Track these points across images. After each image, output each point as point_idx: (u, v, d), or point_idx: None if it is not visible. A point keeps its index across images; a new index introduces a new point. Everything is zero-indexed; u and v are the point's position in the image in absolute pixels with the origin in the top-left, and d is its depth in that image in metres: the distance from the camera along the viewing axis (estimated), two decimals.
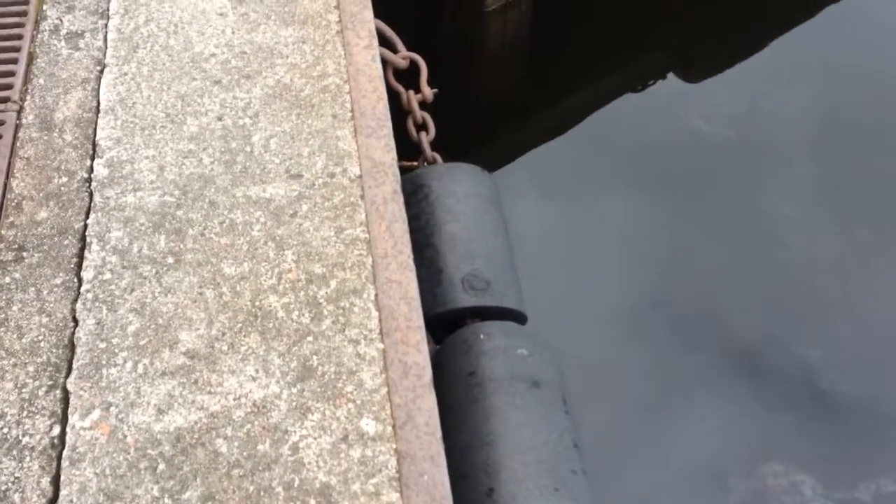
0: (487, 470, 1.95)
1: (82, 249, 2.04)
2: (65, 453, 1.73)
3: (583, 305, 3.85)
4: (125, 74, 2.40)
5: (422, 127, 2.74)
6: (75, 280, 1.99)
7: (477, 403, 2.09)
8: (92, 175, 2.18)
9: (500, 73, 4.96)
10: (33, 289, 1.98)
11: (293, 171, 2.19)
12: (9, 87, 2.37)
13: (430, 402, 1.81)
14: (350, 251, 2.04)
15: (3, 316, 1.94)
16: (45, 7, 2.59)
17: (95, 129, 2.28)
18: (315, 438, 1.75)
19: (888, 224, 4.05)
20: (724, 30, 5.05)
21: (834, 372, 3.50)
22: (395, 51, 2.79)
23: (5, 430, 1.77)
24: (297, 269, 2.01)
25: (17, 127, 2.29)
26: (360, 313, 1.94)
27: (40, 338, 1.91)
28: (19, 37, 2.50)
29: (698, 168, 4.36)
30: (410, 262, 2.04)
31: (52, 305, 1.95)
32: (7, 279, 2.00)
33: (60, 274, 2.01)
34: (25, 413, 1.80)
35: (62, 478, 1.70)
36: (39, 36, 2.52)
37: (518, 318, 2.41)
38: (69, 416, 1.78)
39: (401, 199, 2.15)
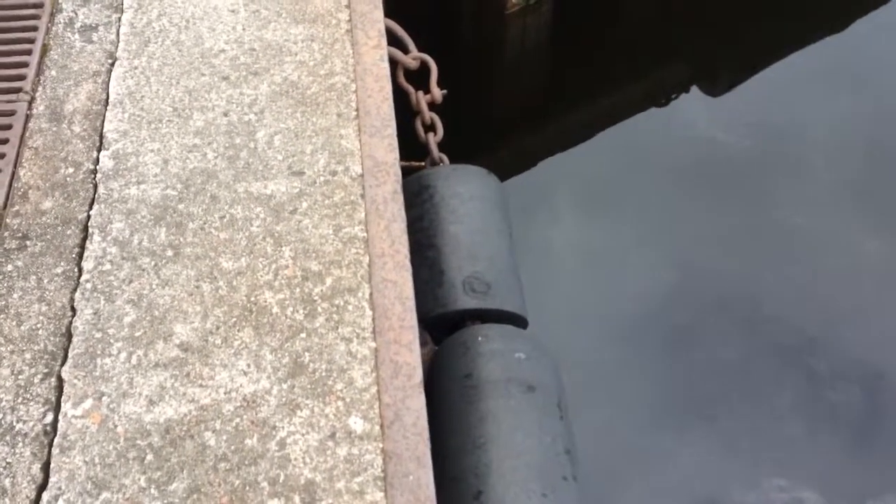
0: (477, 473, 1.94)
1: (84, 240, 2.07)
2: (56, 441, 1.75)
3: (595, 311, 3.83)
4: (135, 68, 2.42)
5: (430, 128, 2.74)
6: (76, 270, 2.01)
7: (471, 405, 2.09)
8: (97, 166, 2.21)
9: (518, 77, 4.95)
10: (34, 277, 2.01)
11: (295, 168, 2.19)
12: (21, 77, 2.41)
13: (419, 402, 1.81)
14: (347, 249, 2.05)
15: (3, 303, 1.97)
16: (60, 0, 2.62)
17: (103, 122, 2.30)
18: (303, 435, 1.76)
19: None
20: (749, 40, 5.01)
21: (840, 384, 3.45)
22: (406, 51, 2.80)
23: (0, 416, 1.80)
24: (293, 265, 2.01)
25: (28, 117, 2.32)
26: (354, 311, 1.94)
27: (38, 326, 1.93)
28: (34, 28, 2.53)
29: (718, 179, 4.32)
30: (407, 262, 2.04)
31: (51, 294, 1.98)
32: (10, 267, 2.03)
33: (62, 263, 2.03)
34: (20, 399, 1.82)
35: (52, 465, 1.72)
36: (54, 28, 2.55)
37: (519, 321, 2.40)
38: (62, 404, 1.80)
39: (401, 199, 2.15)
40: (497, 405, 2.06)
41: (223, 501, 1.67)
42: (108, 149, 2.24)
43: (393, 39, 2.75)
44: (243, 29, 2.52)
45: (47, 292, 1.98)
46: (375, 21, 2.54)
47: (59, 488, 1.69)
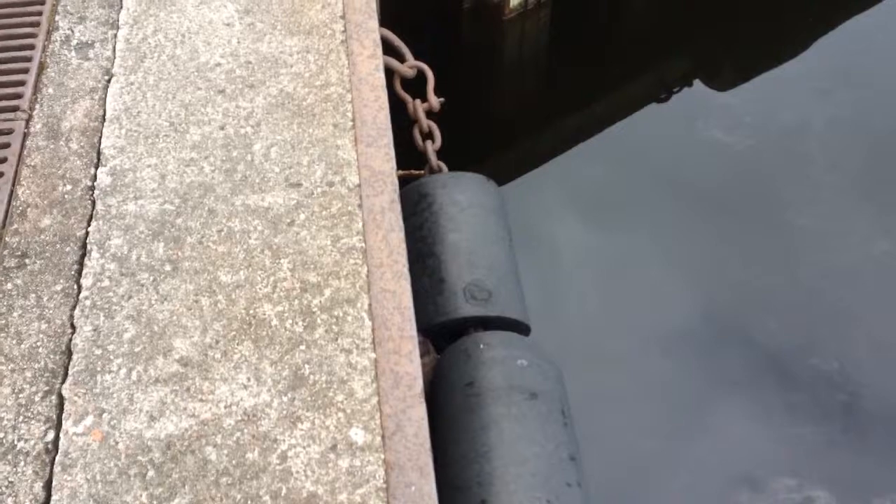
0: (480, 481, 1.93)
1: (83, 257, 2.07)
2: (57, 458, 1.75)
3: (599, 316, 3.82)
4: (132, 84, 2.43)
5: (428, 136, 2.74)
6: (75, 287, 2.02)
7: (474, 414, 2.08)
8: (95, 183, 2.21)
9: (517, 82, 4.95)
10: (34, 295, 2.01)
11: (292, 180, 2.19)
12: (19, 96, 2.41)
13: (420, 412, 1.80)
14: (346, 260, 2.04)
15: (3, 322, 1.97)
16: (57, 18, 2.64)
17: (100, 138, 2.30)
18: (304, 448, 1.75)
19: None
20: (751, 38, 5.00)
21: (849, 385, 3.43)
22: (402, 60, 2.80)
23: (1, 435, 1.80)
24: (292, 277, 2.01)
25: (25, 135, 2.33)
26: (353, 322, 1.93)
27: (38, 344, 1.93)
28: (31, 47, 2.54)
29: (721, 179, 4.30)
30: (406, 271, 2.04)
31: (51, 312, 1.98)
32: (9, 285, 2.03)
33: (61, 281, 2.03)
34: (22, 418, 1.82)
35: (54, 483, 1.72)
36: (51, 46, 2.56)
37: (521, 328, 2.39)
38: (63, 422, 1.80)
39: (398, 208, 2.15)
40: (500, 413, 2.05)
41: None
42: (105, 165, 2.24)
43: (389, 49, 2.75)
44: (238, 42, 2.53)
45: (47, 310, 1.98)
46: (370, 31, 2.54)
47: None
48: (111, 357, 1.89)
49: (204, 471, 1.72)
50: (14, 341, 1.93)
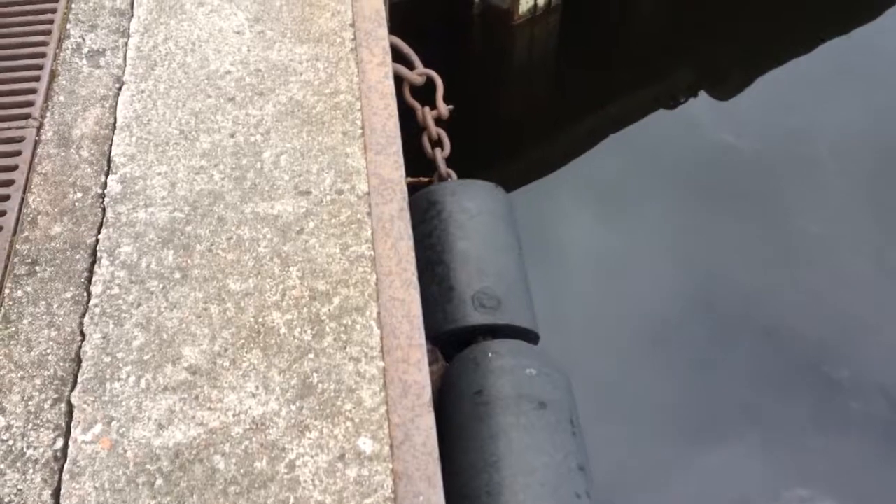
0: (489, 491, 1.93)
1: (93, 264, 2.07)
2: (66, 467, 1.75)
3: (609, 322, 3.80)
4: (142, 92, 2.44)
5: (437, 143, 2.74)
6: (85, 294, 2.02)
7: (482, 423, 2.07)
8: (106, 191, 2.22)
9: (526, 88, 4.95)
10: (44, 303, 2.01)
11: (302, 188, 2.19)
12: (30, 104, 2.43)
13: (428, 421, 1.80)
14: (355, 268, 2.04)
15: (13, 329, 1.97)
16: (68, 26, 2.65)
17: (111, 146, 2.31)
18: (312, 457, 1.75)
19: None
20: (757, 43, 4.98)
21: (861, 393, 3.40)
22: (411, 67, 2.80)
23: (10, 443, 1.80)
24: (301, 285, 2.01)
25: (37, 143, 2.34)
26: (361, 331, 1.93)
27: (48, 351, 1.93)
28: (42, 55, 2.56)
29: (728, 184, 4.29)
30: (415, 279, 2.03)
31: (61, 319, 1.98)
32: (19, 293, 2.04)
33: (71, 288, 2.04)
34: (31, 426, 1.82)
35: (62, 491, 1.72)
36: (62, 54, 2.57)
37: (530, 337, 2.38)
38: (72, 430, 1.80)
39: (408, 216, 2.15)
40: (508, 422, 2.04)
41: None
42: (115, 173, 2.25)
43: (398, 56, 2.75)
44: (248, 50, 2.54)
45: (57, 317, 1.99)
46: (380, 39, 2.55)
47: None
48: (120, 365, 1.89)
49: (212, 479, 1.72)
50: (24, 348, 1.94)
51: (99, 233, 2.13)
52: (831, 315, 3.68)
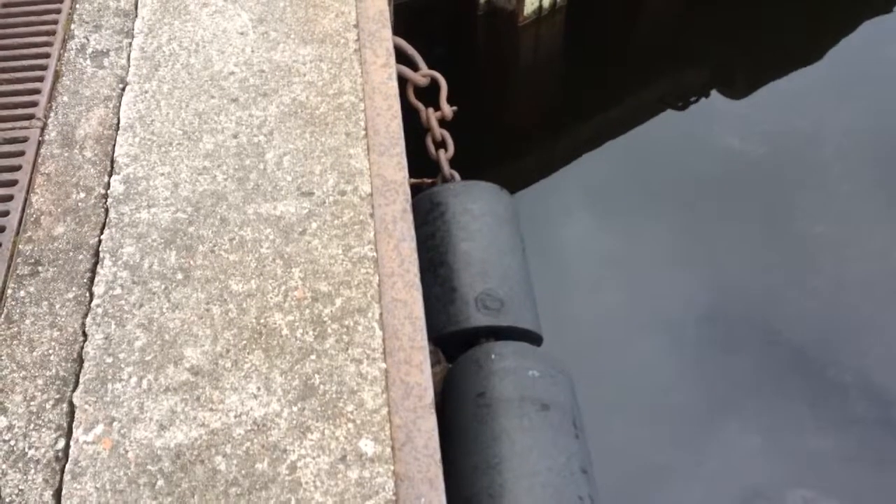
0: (492, 493, 1.92)
1: (95, 265, 2.07)
2: (67, 467, 1.75)
3: (614, 325, 3.79)
4: (146, 92, 2.44)
5: (441, 144, 2.74)
6: (87, 295, 2.02)
7: (485, 425, 2.06)
8: (109, 191, 2.22)
9: (532, 89, 4.94)
10: (46, 303, 2.01)
11: (304, 189, 2.19)
12: (34, 104, 2.43)
13: (430, 423, 1.79)
14: (357, 269, 2.04)
15: (16, 329, 1.97)
16: (73, 26, 2.65)
17: (114, 146, 2.31)
18: (313, 458, 1.74)
19: None
20: (766, 46, 4.97)
21: (867, 395, 3.39)
22: (415, 68, 2.80)
23: (12, 443, 1.80)
24: (303, 286, 2.01)
25: (40, 143, 2.34)
26: (363, 332, 1.93)
27: (50, 351, 1.93)
28: (47, 55, 2.56)
29: (733, 186, 4.27)
30: (417, 281, 2.03)
31: (63, 319, 1.98)
32: (22, 293, 2.04)
33: (73, 288, 2.04)
34: (32, 426, 1.82)
35: (64, 491, 1.72)
36: (66, 55, 2.57)
37: (533, 338, 2.38)
38: (74, 430, 1.80)
39: (410, 217, 2.14)
40: (511, 424, 2.04)
41: None
42: (119, 173, 2.25)
43: (402, 57, 2.75)
44: (252, 51, 2.53)
45: (59, 318, 1.99)
46: (384, 40, 2.54)
47: None
48: (122, 365, 1.89)
49: (213, 481, 1.72)
50: (26, 349, 1.94)
51: (102, 233, 2.13)
52: (835, 316, 3.66)
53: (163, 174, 2.24)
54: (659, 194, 4.23)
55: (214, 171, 2.24)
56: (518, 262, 2.49)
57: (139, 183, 2.23)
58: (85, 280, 2.05)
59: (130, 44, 2.58)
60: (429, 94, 2.80)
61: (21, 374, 1.90)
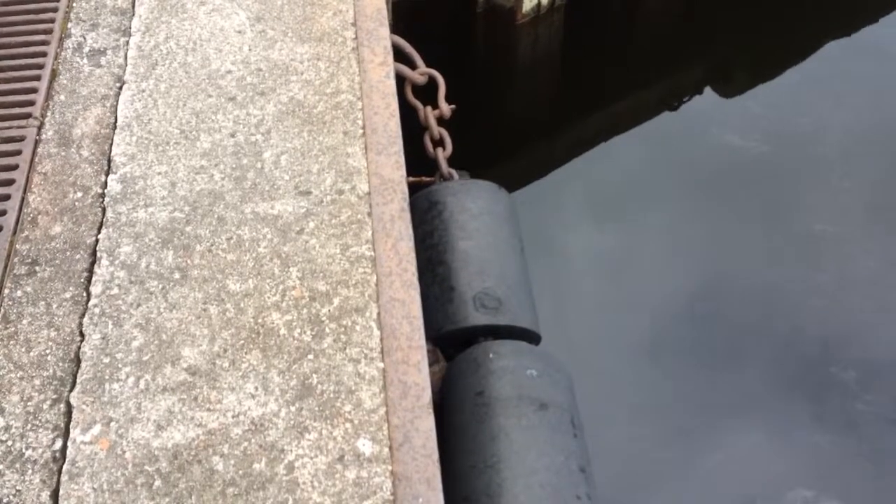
0: (489, 493, 1.91)
1: (92, 264, 2.07)
2: (65, 467, 1.75)
3: (613, 323, 3.79)
4: (143, 91, 2.43)
5: (439, 143, 2.73)
6: (84, 294, 2.02)
7: (483, 424, 2.06)
8: (106, 190, 2.21)
9: (530, 87, 4.94)
10: (43, 303, 2.01)
11: (302, 188, 2.19)
12: (31, 103, 2.42)
13: (428, 423, 1.79)
14: (355, 269, 2.03)
15: (13, 329, 1.97)
16: (69, 25, 2.64)
17: (111, 145, 2.31)
18: (311, 458, 1.74)
19: None
20: (764, 43, 4.96)
21: (867, 393, 3.39)
22: (413, 67, 2.79)
23: (10, 443, 1.80)
24: (301, 286, 2.00)
25: (37, 142, 2.34)
26: (361, 332, 1.92)
27: (47, 351, 1.93)
28: (43, 54, 2.55)
29: (732, 183, 4.27)
30: (415, 280, 2.02)
31: (60, 319, 1.98)
32: (19, 293, 2.03)
33: (70, 288, 2.03)
34: (30, 426, 1.82)
35: (61, 492, 1.71)
36: (63, 53, 2.57)
37: (531, 337, 2.37)
38: (71, 431, 1.80)
39: (408, 216, 2.14)
40: (509, 423, 2.03)
41: None
42: (116, 172, 2.24)
43: (400, 55, 2.74)
44: (249, 49, 2.53)
45: (56, 317, 1.98)
46: (381, 38, 2.54)
47: None
48: (119, 365, 1.89)
49: (210, 481, 1.71)
50: (23, 349, 1.94)
51: (99, 233, 2.13)
52: (837, 314, 3.66)
53: (160, 173, 2.24)
54: (658, 193, 4.23)
55: (212, 171, 2.24)
56: (516, 261, 2.48)
57: (136, 182, 2.22)
58: (82, 280, 2.05)
59: (127, 42, 2.58)
60: (427, 93, 2.80)
61: (18, 375, 1.89)
